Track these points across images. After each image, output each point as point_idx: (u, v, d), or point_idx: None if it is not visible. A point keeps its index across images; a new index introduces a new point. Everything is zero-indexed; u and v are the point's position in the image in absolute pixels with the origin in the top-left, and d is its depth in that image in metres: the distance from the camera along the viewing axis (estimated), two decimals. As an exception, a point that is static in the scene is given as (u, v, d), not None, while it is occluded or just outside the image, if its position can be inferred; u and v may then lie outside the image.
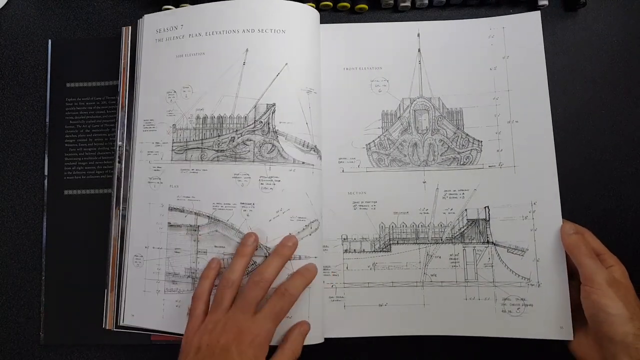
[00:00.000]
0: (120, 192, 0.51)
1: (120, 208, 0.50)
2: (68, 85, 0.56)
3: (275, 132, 0.47)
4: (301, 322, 0.45)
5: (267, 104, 0.48)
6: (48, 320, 0.52)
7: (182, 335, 0.46)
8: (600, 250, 0.45)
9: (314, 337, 0.46)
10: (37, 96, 0.56)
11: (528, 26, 0.51)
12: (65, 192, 0.55)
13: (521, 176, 0.48)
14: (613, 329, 0.40)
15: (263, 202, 0.47)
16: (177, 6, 0.54)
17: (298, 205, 0.47)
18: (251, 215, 0.47)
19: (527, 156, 0.48)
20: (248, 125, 0.48)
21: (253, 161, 0.47)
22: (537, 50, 0.50)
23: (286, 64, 0.48)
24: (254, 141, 0.47)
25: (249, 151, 0.47)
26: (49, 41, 0.57)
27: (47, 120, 0.56)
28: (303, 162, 0.48)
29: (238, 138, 0.48)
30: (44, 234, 0.54)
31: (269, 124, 0.47)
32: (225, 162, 0.48)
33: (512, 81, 0.50)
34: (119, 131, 0.52)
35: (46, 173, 0.55)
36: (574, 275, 0.46)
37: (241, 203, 0.47)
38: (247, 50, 0.48)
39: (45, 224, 0.54)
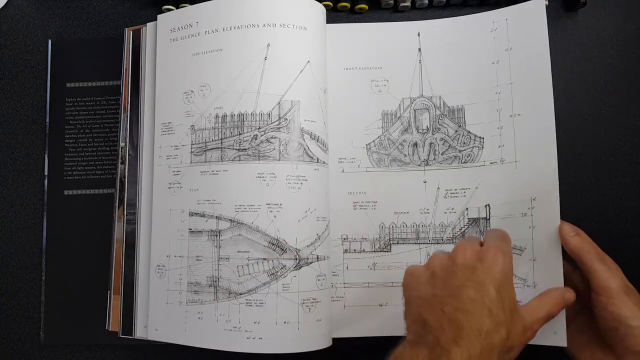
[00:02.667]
0: (123, 194, 0.50)
1: (125, 212, 0.50)
2: (68, 85, 0.56)
3: (302, 129, 0.46)
4: (567, 289, 0.41)
5: (292, 101, 0.46)
6: (48, 320, 0.53)
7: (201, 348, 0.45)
8: None
9: (324, 341, 0.45)
10: (37, 96, 0.56)
11: (532, 16, 0.48)
12: (65, 192, 0.54)
13: (522, 171, 0.47)
14: (638, 341, 0.37)
15: (291, 202, 0.45)
16: (177, 6, 0.54)
17: (322, 205, 0.46)
18: (278, 217, 0.45)
19: (529, 150, 0.47)
20: (272, 122, 0.46)
21: (279, 160, 0.45)
22: (541, 40, 0.47)
23: (308, 61, 0.47)
24: (279, 139, 0.45)
25: (274, 149, 0.45)
26: (49, 41, 0.57)
27: (47, 120, 0.56)
28: (324, 162, 0.47)
29: (262, 136, 0.46)
30: (44, 234, 0.54)
31: (294, 121, 0.46)
32: (247, 162, 0.46)
33: (515, 73, 0.48)
34: (121, 133, 0.51)
35: (46, 173, 0.55)
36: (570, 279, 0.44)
37: (267, 204, 0.45)
38: (268, 45, 0.47)
39: (45, 224, 0.54)
